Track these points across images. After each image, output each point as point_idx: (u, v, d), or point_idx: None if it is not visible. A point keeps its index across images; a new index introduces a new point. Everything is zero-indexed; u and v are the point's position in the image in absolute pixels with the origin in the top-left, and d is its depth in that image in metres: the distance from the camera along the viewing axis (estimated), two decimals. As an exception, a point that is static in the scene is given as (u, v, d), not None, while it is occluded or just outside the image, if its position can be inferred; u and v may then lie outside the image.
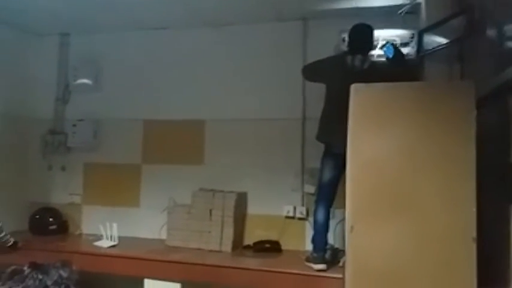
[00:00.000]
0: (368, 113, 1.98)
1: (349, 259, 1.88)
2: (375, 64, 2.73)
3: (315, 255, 2.74)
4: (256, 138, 3.45)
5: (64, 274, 1.14)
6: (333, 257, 2.87)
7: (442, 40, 2.59)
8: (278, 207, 3.37)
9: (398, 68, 2.67)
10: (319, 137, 2.82)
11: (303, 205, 3.33)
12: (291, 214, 3.35)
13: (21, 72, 3.82)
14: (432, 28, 2.66)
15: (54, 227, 3.73)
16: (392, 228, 1.82)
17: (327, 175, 2.77)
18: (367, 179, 1.95)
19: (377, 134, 1.97)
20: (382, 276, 1.79)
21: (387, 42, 2.75)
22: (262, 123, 3.41)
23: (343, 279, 2.20)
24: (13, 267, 1.13)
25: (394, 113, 1.95)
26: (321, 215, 2.77)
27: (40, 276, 1.09)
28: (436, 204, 1.83)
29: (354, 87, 1.98)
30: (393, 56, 2.66)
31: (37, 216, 3.75)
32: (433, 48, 2.64)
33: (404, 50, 2.84)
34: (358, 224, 1.84)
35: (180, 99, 3.62)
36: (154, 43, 3.73)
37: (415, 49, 2.87)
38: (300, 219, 3.32)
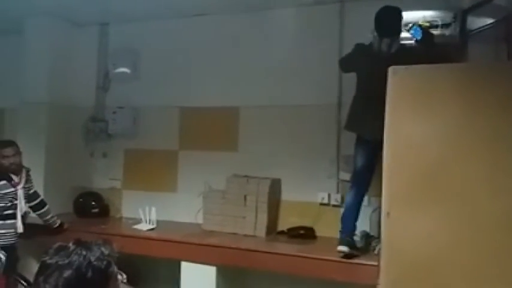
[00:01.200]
0: (407, 96, 1.91)
1: (384, 246, 1.85)
2: (404, 47, 2.61)
3: (341, 236, 2.74)
4: (291, 125, 3.43)
5: (105, 251, 1.19)
6: (366, 244, 2.84)
7: (487, 20, 2.46)
8: (313, 194, 3.35)
9: (432, 50, 2.56)
10: (347, 127, 2.81)
11: (338, 192, 3.29)
12: (325, 201, 3.32)
13: (64, 62, 3.97)
14: (477, 7, 2.52)
15: (96, 210, 3.89)
16: (432, 215, 1.77)
17: (360, 162, 2.74)
18: (405, 165, 1.89)
19: (416, 119, 1.90)
20: (419, 264, 1.74)
21: (414, 24, 2.62)
22: (297, 109, 3.38)
23: (378, 266, 2.17)
24: (59, 243, 1.20)
25: (436, 96, 1.87)
26: (349, 198, 2.78)
27: (84, 252, 1.15)
28: (481, 192, 1.75)
29: (391, 70, 1.91)
30: (422, 38, 2.55)
31: (81, 200, 3.93)
32: (478, 28, 2.51)
33: (446, 31, 2.71)
34: (394, 210, 1.80)
35: (215, 86, 3.65)
36: (190, 31, 3.76)
37: (457, 30, 2.74)
38: (334, 206, 3.28)
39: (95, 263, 1.15)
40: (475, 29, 2.53)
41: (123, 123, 3.93)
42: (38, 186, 3.60)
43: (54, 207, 3.72)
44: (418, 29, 2.56)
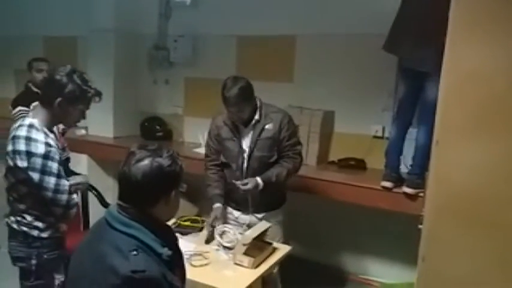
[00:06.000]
0: (473, 16, 1.74)
1: (431, 174, 1.85)
2: None
3: (385, 172, 2.75)
4: (348, 55, 3.35)
5: (171, 152, 1.36)
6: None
7: None
8: (366, 126, 3.35)
9: None
10: (385, 47, 2.65)
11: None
12: (379, 134, 3.32)
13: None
14: None
15: (160, 134, 4.18)
16: (483, 147, 1.70)
17: (401, 93, 2.69)
18: (462, 96, 1.80)
19: (484, 43, 1.73)
20: (464, 194, 1.73)
21: None
22: (355, 39, 3.27)
23: (423, 195, 2.20)
24: (140, 143, 1.39)
25: (508, 26, 1.72)
26: (393, 133, 2.78)
27: (171, 150, 1.36)
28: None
29: (456, -7, 1.77)
30: None
31: (146, 124, 4.24)
32: None
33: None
34: (444, 139, 1.77)
35: (272, 14, 3.59)
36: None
37: None
38: (388, 139, 3.26)
39: (179, 161, 1.31)
40: None
41: (183, 52, 4.04)
42: (108, 110, 3.91)
43: (123, 130, 4.06)
44: None
